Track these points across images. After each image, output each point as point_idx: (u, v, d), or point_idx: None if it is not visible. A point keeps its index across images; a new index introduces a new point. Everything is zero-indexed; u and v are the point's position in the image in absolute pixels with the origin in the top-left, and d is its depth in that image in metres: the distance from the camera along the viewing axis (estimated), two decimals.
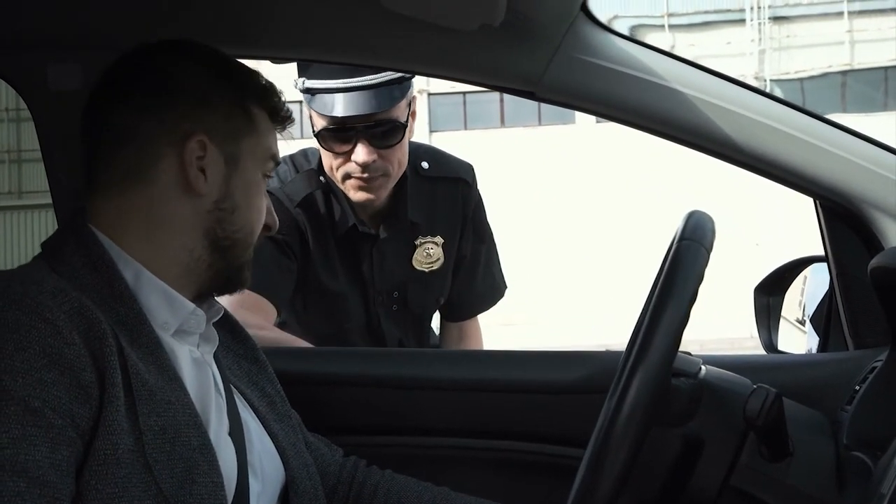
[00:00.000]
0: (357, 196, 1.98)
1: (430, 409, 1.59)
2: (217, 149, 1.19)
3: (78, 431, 1.02)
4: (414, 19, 1.40)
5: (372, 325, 2.08)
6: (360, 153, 1.92)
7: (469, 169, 2.16)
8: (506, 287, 2.28)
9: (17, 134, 14.99)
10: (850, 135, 1.47)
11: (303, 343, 1.88)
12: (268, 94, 1.25)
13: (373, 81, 1.88)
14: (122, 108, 1.19)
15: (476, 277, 2.20)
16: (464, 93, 17.84)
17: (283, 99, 1.27)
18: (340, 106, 1.89)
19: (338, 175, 1.97)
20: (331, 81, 1.89)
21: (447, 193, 2.11)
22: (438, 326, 2.32)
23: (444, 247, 2.10)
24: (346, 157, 1.94)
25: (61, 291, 1.07)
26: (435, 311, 2.20)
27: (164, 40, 1.25)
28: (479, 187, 2.18)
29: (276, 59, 1.90)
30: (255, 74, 1.26)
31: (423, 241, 2.09)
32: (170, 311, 1.16)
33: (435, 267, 2.10)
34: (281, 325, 2.03)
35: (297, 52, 1.67)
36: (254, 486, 1.19)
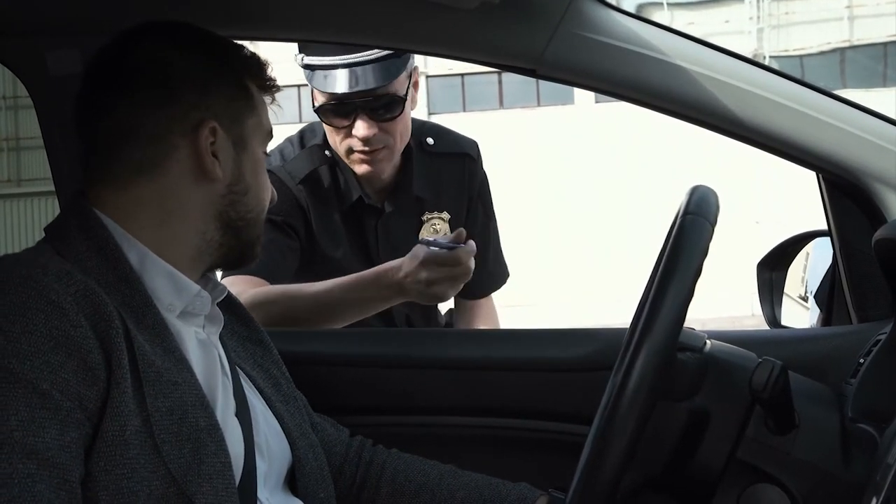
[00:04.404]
0: (361, 169, 1.99)
1: (435, 389, 1.59)
2: (225, 133, 1.19)
3: (86, 413, 1.03)
4: None
5: None
6: (360, 128, 1.93)
7: (473, 145, 2.17)
8: (507, 268, 2.29)
9: (16, 121, 14.96)
10: (852, 108, 1.47)
11: (294, 286, 1.86)
12: (260, 66, 1.24)
13: (371, 57, 1.89)
14: (124, 104, 1.18)
15: (488, 254, 2.21)
16: (462, 74, 17.79)
17: (270, 67, 1.26)
18: (341, 82, 1.90)
19: (341, 149, 1.99)
20: (330, 58, 1.90)
21: (452, 169, 2.12)
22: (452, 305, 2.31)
23: (450, 222, 2.11)
24: (348, 131, 1.96)
25: (67, 274, 1.07)
26: None
27: (146, 24, 1.23)
28: (483, 164, 2.19)
29: (268, 41, 1.89)
30: (243, 49, 1.25)
31: (429, 216, 2.10)
32: (175, 293, 1.16)
33: None
34: None
35: (294, 32, 1.66)
36: (261, 466, 1.19)
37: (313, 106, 1.97)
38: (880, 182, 1.44)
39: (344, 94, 1.90)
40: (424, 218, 2.10)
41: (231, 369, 1.23)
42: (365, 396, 1.61)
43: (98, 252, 1.13)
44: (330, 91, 1.91)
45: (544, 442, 1.57)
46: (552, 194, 17.01)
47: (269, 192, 1.26)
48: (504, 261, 2.26)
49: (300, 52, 1.95)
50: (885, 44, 17.85)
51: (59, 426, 1.00)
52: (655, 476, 1.20)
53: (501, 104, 18.40)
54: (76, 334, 1.03)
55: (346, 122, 1.95)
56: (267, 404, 1.28)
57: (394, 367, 1.61)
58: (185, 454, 1.06)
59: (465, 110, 18.16)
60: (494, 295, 2.30)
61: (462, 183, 2.14)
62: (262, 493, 1.18)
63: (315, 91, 1.96)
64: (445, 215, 2.11)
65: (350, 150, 1.97)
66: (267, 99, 1.26)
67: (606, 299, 13.51)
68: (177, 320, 1.17)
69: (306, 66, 1.94)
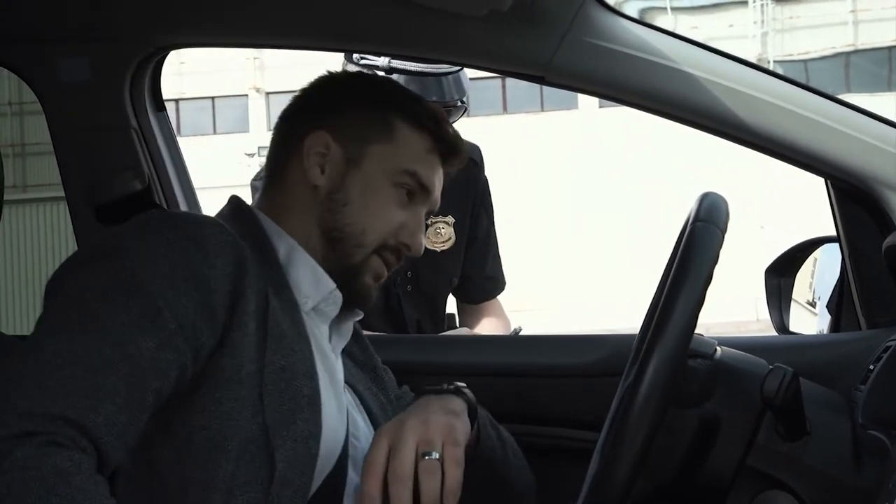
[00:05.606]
0: None
1: None
2: (340, 147, 1.27)
3: (193, 344, 1.07)
4: (422, 5, 1.40)
5: (391, 307, 2.10)
6: None
7: (476, 149, 2.19)
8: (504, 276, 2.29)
9: (21, 127, 14.97)
10: (860, 114, 1.46)
11: None
12: (412, 110, 1.30)
13: (453, 69, 2.00)
14: (287, 117, 1.34)
15: (487, 260, 2.22)
16: None
17: (446, 130, 1.32)
18: (438, 90, 1.98)
19: None
20: (423, 65, 1.97)
21: (456, 173, 2.12)
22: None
23: (454, 226, 2.12)
24: None
25: (221, 227, 1.14)
26: (448, 293, 2.21)
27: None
28: (485, 169, 2.20)
29: (276, 48, 1.90)
30: (409, 94, 1.36)
31: (434, 220, 2.11)
32: (314, 286, 1.23)
33: (446, 247, 2.12)
34: None
35: (298, 40, 1.66)
36: (353, 479, 1.21)
37: None
38: (889, 188, 1.44)
39: (440, 102, 1.96)
40: (429, 222, 2.10)
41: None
42: None
43: (248, 236, 1.21)
44: (429, 98, 1.93)
45: (552, 448, 1.57)
46: (557, 199, 17.02)
47: (384, 224, 1.27)
48: (502, 268, 2.27)
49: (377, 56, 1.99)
50: (889, 48, 17.86)
51: (158, 341, 1.04)
52: (666, 484, 1.20)
53: (505, 109, 18.42)
54: (210, 274, 1.09)
55: None
56: (374, 428, 1.29)
57: (403, 373, 1.61)
58: (284, 410, 1.11)
59: (468, 115, 18.16)
60: (502, 300, 2.30)
61: (466, 187, 2.15)
62: (347, 502, 1.20)
63: None
64: (450, 219, 2.13)
65: None
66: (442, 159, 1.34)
67: (612, 304, 13.51)
68: (307, 315, 1.22)
69: (394, 70, 1.97)
